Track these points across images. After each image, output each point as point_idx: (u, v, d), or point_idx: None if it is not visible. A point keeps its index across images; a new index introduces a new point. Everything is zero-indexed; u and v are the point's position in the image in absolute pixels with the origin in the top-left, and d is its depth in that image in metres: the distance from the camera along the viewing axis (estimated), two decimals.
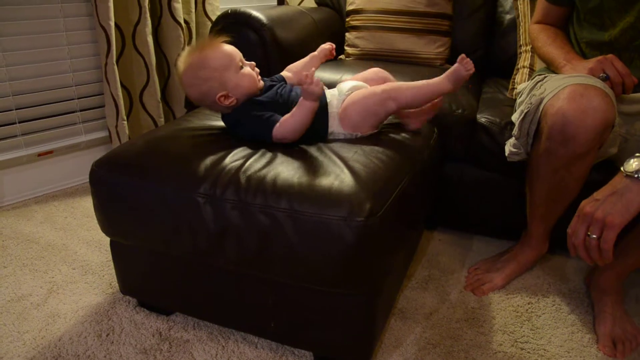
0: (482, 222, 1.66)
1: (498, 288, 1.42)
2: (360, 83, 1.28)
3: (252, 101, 1.20)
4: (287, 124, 1.14)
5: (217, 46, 1.20)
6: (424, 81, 1.23)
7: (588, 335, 1.26)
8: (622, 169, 0.95)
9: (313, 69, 1.34)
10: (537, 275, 1.49)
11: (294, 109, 1.14)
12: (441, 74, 1.23)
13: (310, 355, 1.16)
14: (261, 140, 1.16)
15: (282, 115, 1.16)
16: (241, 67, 1.20)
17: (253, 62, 1.25)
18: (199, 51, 1.19)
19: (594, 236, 0.95)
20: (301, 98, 1.13)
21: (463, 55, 1.19)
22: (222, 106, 1.20)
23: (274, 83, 1.28)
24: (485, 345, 1.21)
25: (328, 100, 1.23)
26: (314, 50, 1.39)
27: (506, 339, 1.24)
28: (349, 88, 1.24)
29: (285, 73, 1.37)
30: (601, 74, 1.20)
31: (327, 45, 1.38)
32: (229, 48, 1.21)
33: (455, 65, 1.20)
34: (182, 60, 1.20)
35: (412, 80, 1.24)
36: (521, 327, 1.28)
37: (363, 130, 1.22)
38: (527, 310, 1.34)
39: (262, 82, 1.25)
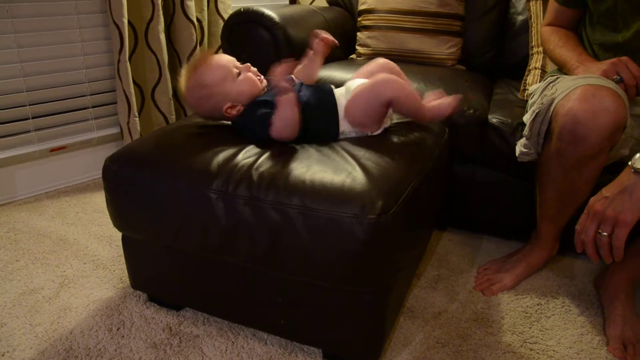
0: (492, 222, 1.65)
1: (507, 288, 1.42)
2: (368, 81, 1.28)
3: (255, 102, 1.21)
4: (276, 122, 1.13)
5: (209, 61, 1.20)
6: (418, 97, 1.26)
7: (598, 337, 1.25)
8: (629, 163, 0.95)
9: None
10: (547, 276, 1.49)
11: (282, 111, 1.13)
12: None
13: (320, 352, 1.17)
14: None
15: None
16: (238, 74, 1.21)
17: (248, 64, 1.25)
18: (194, 71, 1.19)
19: (605, 234, 0.95)
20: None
21: (458, 96, 1.27)
22: (232, 116, 1.22)
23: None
24: (494, 345, 1.21)
25: (337, 100, 1.23)
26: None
27: (515, 339, 1.24)
28: (357, 86, 1.24)
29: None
30: (615, 76, 1.20)
31: (321, 37, 1.34)
32: (221, 59, 1.21)
33: (442, 101, 1.26)
34: (182, 85, 1.22)
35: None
36: (530, 327, 1.28)
37: (368, 126, 1.22)
38: (536, 311, 1.34)
39: (264, 82, 1.25)
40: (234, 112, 1.20)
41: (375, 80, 1.20)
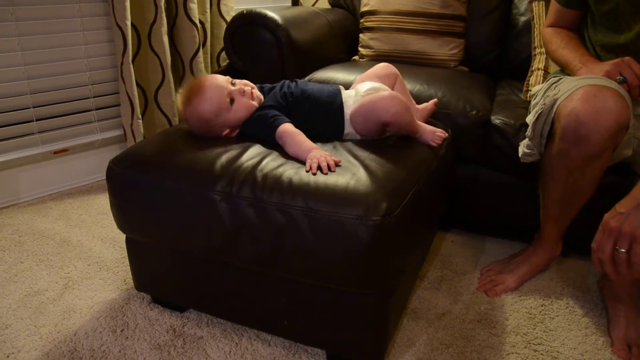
0: (495, 223, 1.65)
1: (511, 289, 1.42)
2: (378, 84, 1.28)
3: (256, 112, 1.22)
4: (285, 141, 1.13)
5: (202, 93, 1.19)
6: (415, 124, 1.24)
7: (602, 338, 1.25)
8: None
9: None
10: (550, 277, 1.49)
11: (295, 142, 1.11)
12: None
13: (323, 353, 1.17)
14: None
15: (295, 111, 1.19)
16: (232, 100, 1.20)
17: (240, 86, 1.22)
18: (189, 104, 1.20)
19: (623, 250, 0.93)
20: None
21: (441, 132, 1.27)
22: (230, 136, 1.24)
23: (274, 85, 1.29)
24: (498, 347, 1.21)
25: (344, 101, 1.24)
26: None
27: (519, 340, 1.24)
28: (367, 89, 1.25)
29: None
30: (618, 77, 1.20)
31: None
32: (213, 91, 1.19)
33: (430, 131, 1.26)
34: (182, 113, 1.23)
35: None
36: (534, 328, 1.28)
37: (371, 134, 1.23)
38: (540, 312, 1.34)
39: (259, 95, 1.25)
40: (233, 134, 1.23)
41: (379, 98, 1.17)
